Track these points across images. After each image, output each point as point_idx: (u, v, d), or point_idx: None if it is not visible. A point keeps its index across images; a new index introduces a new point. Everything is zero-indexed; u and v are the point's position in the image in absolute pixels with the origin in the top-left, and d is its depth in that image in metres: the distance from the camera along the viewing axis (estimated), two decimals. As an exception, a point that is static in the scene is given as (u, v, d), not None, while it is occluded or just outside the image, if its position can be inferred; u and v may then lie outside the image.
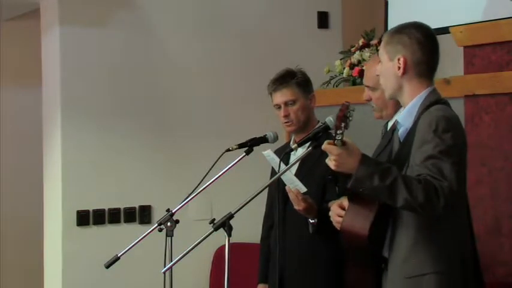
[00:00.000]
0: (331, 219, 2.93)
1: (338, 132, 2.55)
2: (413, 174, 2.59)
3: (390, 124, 3.26)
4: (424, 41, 2.77)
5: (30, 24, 5.35)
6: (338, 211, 2.87)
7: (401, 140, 2.79)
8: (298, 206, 3.33)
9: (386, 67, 2.82)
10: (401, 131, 2.80)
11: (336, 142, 2.56)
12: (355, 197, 2.73)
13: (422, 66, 2.77)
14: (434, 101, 2.73)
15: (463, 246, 2.72)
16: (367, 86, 3.30)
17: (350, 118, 2.56)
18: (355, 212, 2.72)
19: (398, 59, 2.76)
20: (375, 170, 2.54)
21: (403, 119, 2.79)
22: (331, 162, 2.61)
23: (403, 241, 2.69)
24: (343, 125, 2.54)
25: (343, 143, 2.57)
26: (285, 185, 3.41)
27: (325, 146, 2.61)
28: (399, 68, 2.76)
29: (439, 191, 2.51)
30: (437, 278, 2.63)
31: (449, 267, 2.65)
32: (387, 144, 3.17)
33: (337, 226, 2.89)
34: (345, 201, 2.90)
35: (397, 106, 3.16)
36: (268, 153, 3.37)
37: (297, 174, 3.38)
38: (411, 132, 2.71)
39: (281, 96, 3.58)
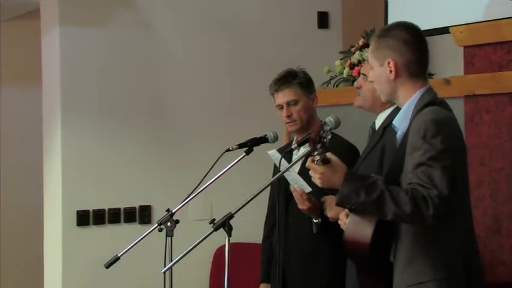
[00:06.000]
0: (342, 227, 2.93)
1: (315, 153, 2.55)
2: (407, 182, 2.56)
3: (378, 123, 3.27)
4: (411, 41, 2.71)
5: (30, 24, 5.34)
6: (346, 220, 2.86)
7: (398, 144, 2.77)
8: (302, 205, 3.33)
9: (378, 73, 2.76)
10: (399, 134, 2.76)
11: (316, 163, 2.57)
12: None
13: (414, 66, 2.71)
14: (428, 101, 2.67)
15: (465, 251, 2.65)
16: (364, 74, 3.32)
17: (326, 139, 2.54)
18: (356, 222, 2.69)
19: (389, 63, 2.71)
20: (360, 186, 2.53)
21: (399, 122, 2.74)
22: (316, 180, 2.62)
23: (401, 250, 2.66)
24: (318, 146, 2.54)
25: (325, 162, 2.57)
26: (287, 184, 3.41)
27: (309, 164, 2.61)
28: (391, 71, 2.71)
29: (427, 200, 2.46)
30: (438, 284, 2.58)
31: (451, 273, 2.59)
32: (375, 145, 3.17)
33: None
34: None
35: (384, 105, 3.16)
36: (273, 152, 3.37)
37: (298, 174, 3.38)
38: (406, 136, 2.67)
39: (283, 97, 3.59)
